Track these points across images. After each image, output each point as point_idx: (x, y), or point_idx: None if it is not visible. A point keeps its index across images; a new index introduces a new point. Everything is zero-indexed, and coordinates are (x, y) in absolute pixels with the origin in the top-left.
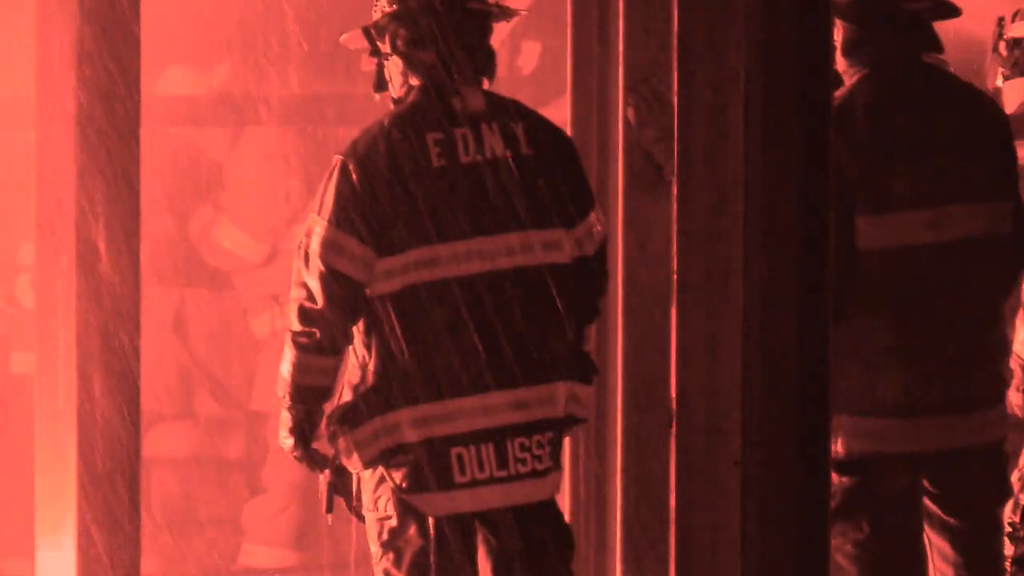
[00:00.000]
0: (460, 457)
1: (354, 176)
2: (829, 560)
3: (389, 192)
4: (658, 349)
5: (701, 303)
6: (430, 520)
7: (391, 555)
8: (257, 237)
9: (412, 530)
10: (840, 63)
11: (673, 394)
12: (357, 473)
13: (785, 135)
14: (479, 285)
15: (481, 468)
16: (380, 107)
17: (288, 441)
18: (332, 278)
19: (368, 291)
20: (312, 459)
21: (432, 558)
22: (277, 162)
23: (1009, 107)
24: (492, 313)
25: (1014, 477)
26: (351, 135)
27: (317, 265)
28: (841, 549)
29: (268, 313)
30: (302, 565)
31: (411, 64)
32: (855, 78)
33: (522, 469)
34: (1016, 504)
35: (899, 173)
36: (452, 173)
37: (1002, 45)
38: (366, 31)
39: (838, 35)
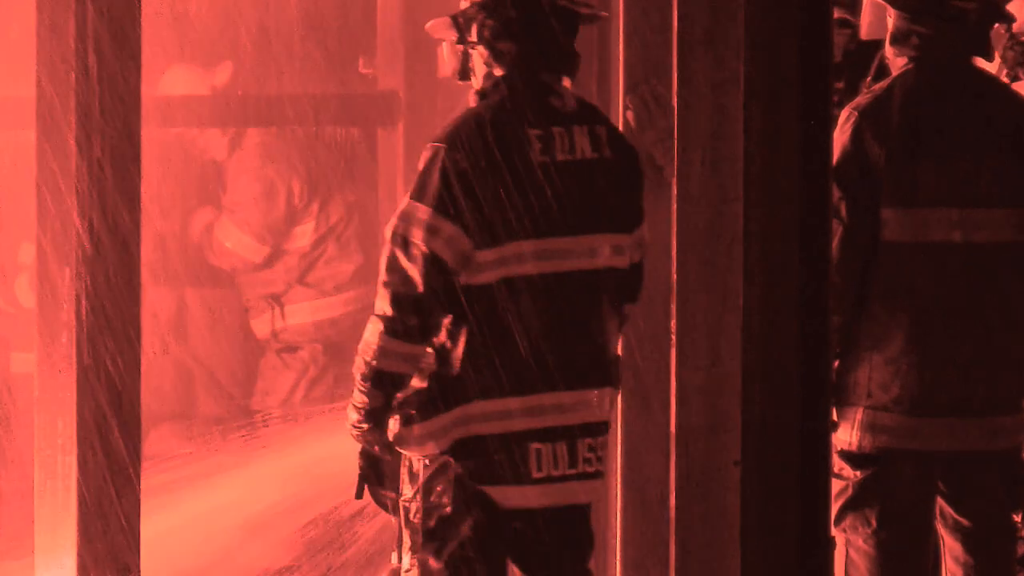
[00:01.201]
0: (539, 452)
1: (459, 163)
2: (830, 561)
3: (491, 182)
4: (658, 349)
5: (701, 303)
6: (499, 511)
7: (433, 544)
8: (258, 237)
9: (465, 522)
10: (888, 51)
11: (673, 394)
12: (409, 460)
13: (785, 135)
14: (564, 283)
15: (555, 465)
16: (378, 108)
17: (363, 425)
18: (432, 263)
19: (461, 280)
20: (384, 444)
21: (480, 552)
22: (277, 162)
23: None
24: (572, 312)
25: None
26: (350, 136)
27: (419, 249)
28: (852, 543)
29: (268, 313)
30: (302, 565)
31: (496, 55)
32: (899, 70)
33: (588, 469)
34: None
35: (927, 169)
36: (550, 170)
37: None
38: (454, 19)
39: (888, 23)
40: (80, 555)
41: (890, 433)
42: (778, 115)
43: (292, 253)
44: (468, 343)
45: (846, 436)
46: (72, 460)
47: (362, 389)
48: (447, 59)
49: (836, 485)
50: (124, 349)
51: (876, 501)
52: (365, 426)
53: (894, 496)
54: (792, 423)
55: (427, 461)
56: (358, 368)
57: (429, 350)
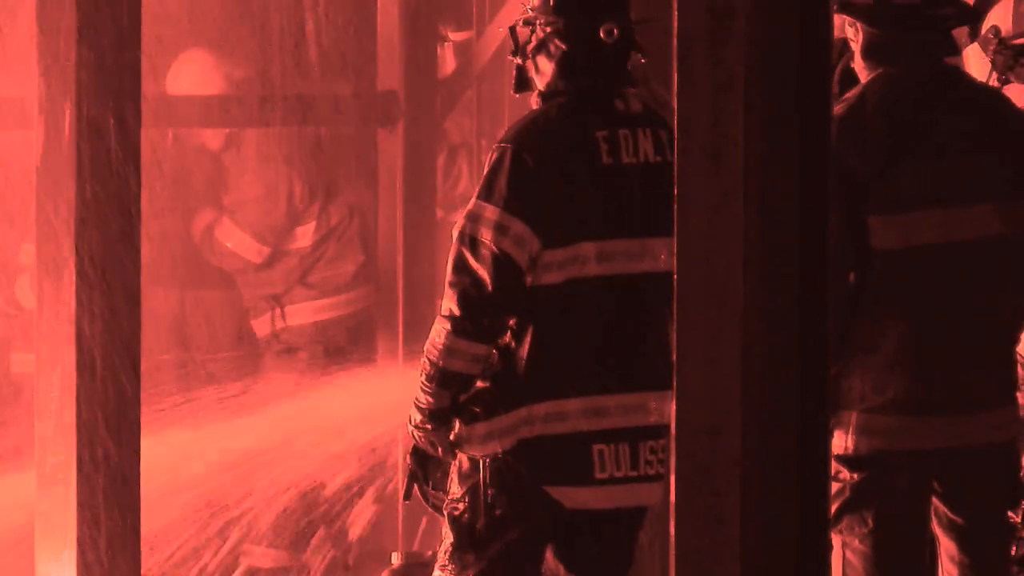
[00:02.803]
0: (601, 453)
1: (528, 163)
2: (829, 561)
3: (558, 182)
4: None
5: (701, 303)
6: (562, 512)
7: (476, 545)
8: (258, 237)
9: (513, 527)
10: (859, 64)
11: (673, 394)
12: (460, 460)
13: (785, 135)
14: (627, 286)
15: (618, 467)
16: (378, 108)
17: (427, 426)
18: (503, 262)
19: (529, 280)
20: (448, 444)
21: (526, 555)
22: (278, 162)
23: None
24: (635, 315)
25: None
26: (350, 136)
27: (489, 249)
28: (849, 545)
29: (269, 313)
30: (302, 566)
31: (539, 71)
32: (869, 76)
33: (649, 471)
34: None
35: (908, 173)
36: (616, 172)
37: (991, 50)
38: (512, 31)
39: (857, 38)
40: (81, 555)
41: (885, 435)
42: (778, 115)
43: (293, 254)
44: (533, 343)
45: (841, 441)
46: (72, 460)
47: (427, 390)
48: (448, 59)
49: (832, 487)
50: (124, 350)
51: (872, 502)
52: (429, 426)
53: (890, 497)
54: (792, 423)
55: (487, 461)
56: (423, 369)
57: (493, 350)
